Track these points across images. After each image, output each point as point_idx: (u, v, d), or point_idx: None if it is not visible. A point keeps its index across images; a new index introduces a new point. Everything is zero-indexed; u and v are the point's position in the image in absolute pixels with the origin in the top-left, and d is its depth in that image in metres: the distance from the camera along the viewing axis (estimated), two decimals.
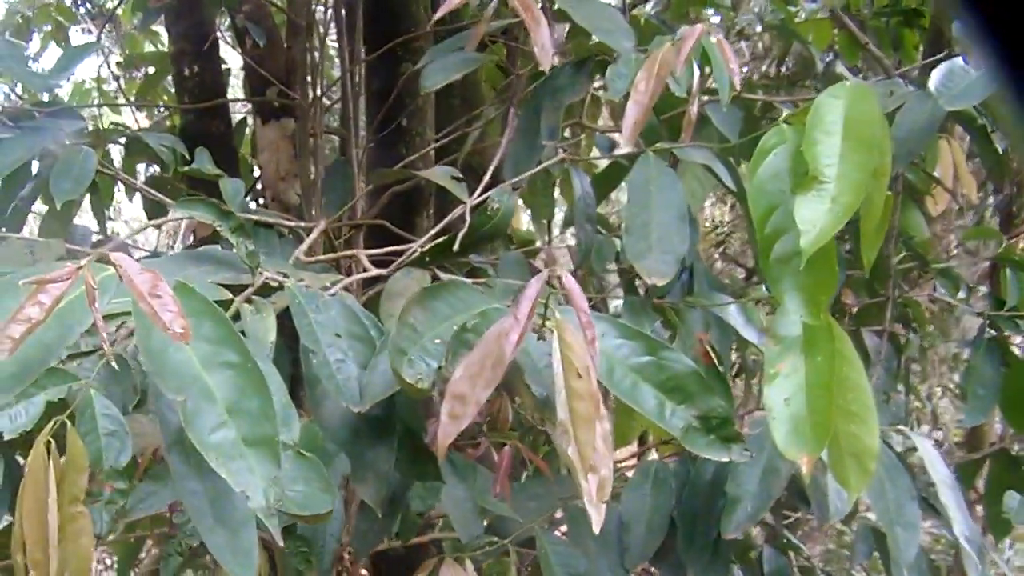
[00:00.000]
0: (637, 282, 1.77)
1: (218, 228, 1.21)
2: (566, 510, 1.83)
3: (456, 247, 1.50)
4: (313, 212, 2.37)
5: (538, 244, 2.32)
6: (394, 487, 1.47)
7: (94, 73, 4.16)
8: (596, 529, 1.10)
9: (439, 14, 1.57)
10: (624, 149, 1.60)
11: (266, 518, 0.80)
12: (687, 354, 1.45)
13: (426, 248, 1.57)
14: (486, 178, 1.62)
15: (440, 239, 1.57)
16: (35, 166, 1.98)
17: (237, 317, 1.18)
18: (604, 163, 2.04)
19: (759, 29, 3.41)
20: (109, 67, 3.67)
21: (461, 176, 1.67)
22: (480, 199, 1.58)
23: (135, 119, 3.53)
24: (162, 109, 3.03)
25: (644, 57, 1.48)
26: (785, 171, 1.33)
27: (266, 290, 1.36)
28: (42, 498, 1.47)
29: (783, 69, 3.27)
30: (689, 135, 1.48)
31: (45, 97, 1.94)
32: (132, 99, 3.34)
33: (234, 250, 1.27)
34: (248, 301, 1.23)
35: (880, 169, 1.31)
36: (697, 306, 1.50)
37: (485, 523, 1.80)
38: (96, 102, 3.71)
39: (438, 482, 1.52)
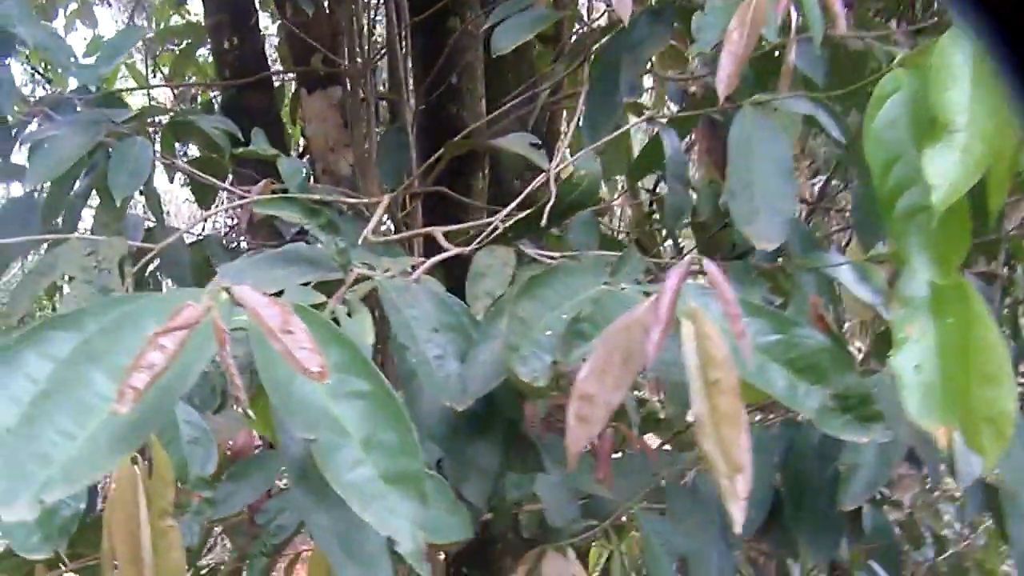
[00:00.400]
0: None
1: (306, 227, 1.13)
2: (663, 486, 1.75)
3: (544, 221, 1.41)
4: (368, 183, 2.29)
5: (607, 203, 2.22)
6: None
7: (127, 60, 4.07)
8: (738, 529, 1.03)
9: None
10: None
11: (418, 565, 0.73)
12: (802, 319, 1.37)
13: (508, 224, 1.48)
14: (565, 142, 1.53)
15: (522, 213, 1.48)
16: None
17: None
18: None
19: None
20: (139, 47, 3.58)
21: (539, 141, 1.57)
22: (561, 167, 1.49)
23: (168, 97, 3.46)
24: (200, 86, 2.93)
25: (734, 3, 1.37)
26: (904, 119, 1.22)
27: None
28: (133, 514, 1.42)
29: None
30: (788, 84, 1.38)
31: (93, 88, 1.85)
32: (164, 76, 3.25)
33: (319, 246, 1.19)
34: (342, 303, 1.15)
35: (1011, 114, 1.21)
36: (807, 268, 1.41)
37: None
38: (126, 83, 3.62)
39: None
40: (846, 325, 2.51)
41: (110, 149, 1.77)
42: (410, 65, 2.44)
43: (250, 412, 0.69)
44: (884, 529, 1.98)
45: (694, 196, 1.87)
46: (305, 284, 1.18)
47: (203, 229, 2.74)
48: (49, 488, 0.69)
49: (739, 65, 1.34)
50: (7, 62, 1.72)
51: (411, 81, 2.45)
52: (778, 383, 1.11)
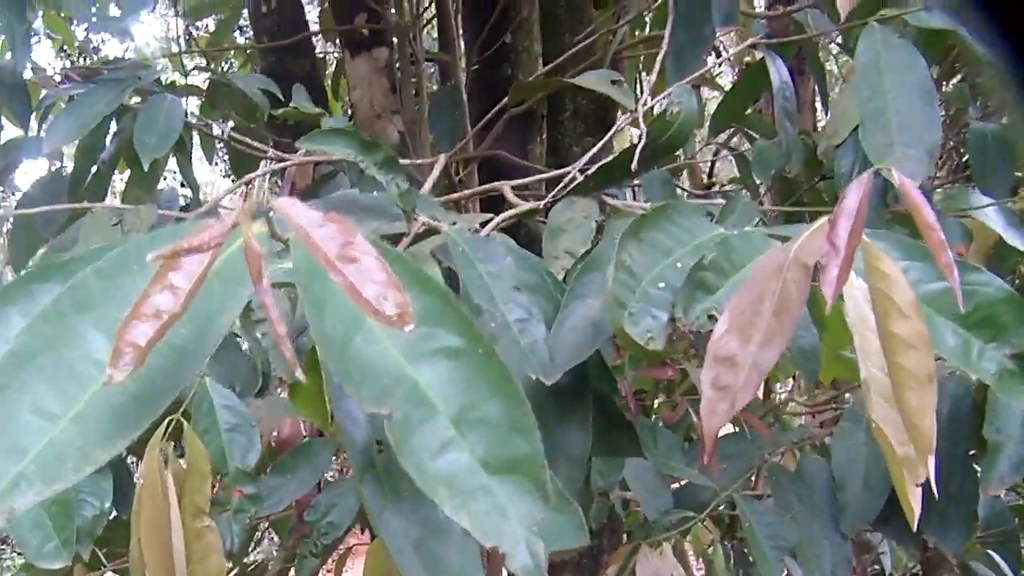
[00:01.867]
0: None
1: (361, 165, 0.92)
2: (765, 470, 1.52)
3: (634, 164, 1.18)
4: (420, 147, 2.08)
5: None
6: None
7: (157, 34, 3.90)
8: (914, 526, 0.81)
9: None
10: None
11: None
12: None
13: (590, 172, 1.25)
14: (651, 79, 1.30)
15: (606, 159, 1.25)
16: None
17: None
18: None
19: None
20: (170, 28, 3.39)
21: (621, 78, 1.34)
22: (650, 104, 1.26)
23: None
24: (237, 49, 2.72)
25: None
26: None
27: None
28: (162, 514, 1.21)
29: None
30: None
31: (121, 46, 1.65)
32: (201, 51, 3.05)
33: (376, 193, 0.97)
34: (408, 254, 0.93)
35: None
36: (951, 210, 1.18)
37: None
38: (162, 63, 3.44)
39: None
40: None
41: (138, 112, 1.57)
42: (459, 23, 2.22)
43: (300, 375, 0.47)
44: (1002, 514, 1.74)
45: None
46: None
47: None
48: (19, 490, 0.47)
49: None
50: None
51: (462, 40, 2.23)
52: (947, 340, 0.87)
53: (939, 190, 2.15)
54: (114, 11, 1.79)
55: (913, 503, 0.81)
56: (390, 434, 0.53)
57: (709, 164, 3.06)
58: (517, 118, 2.08)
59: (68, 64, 3.83)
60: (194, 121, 1.75)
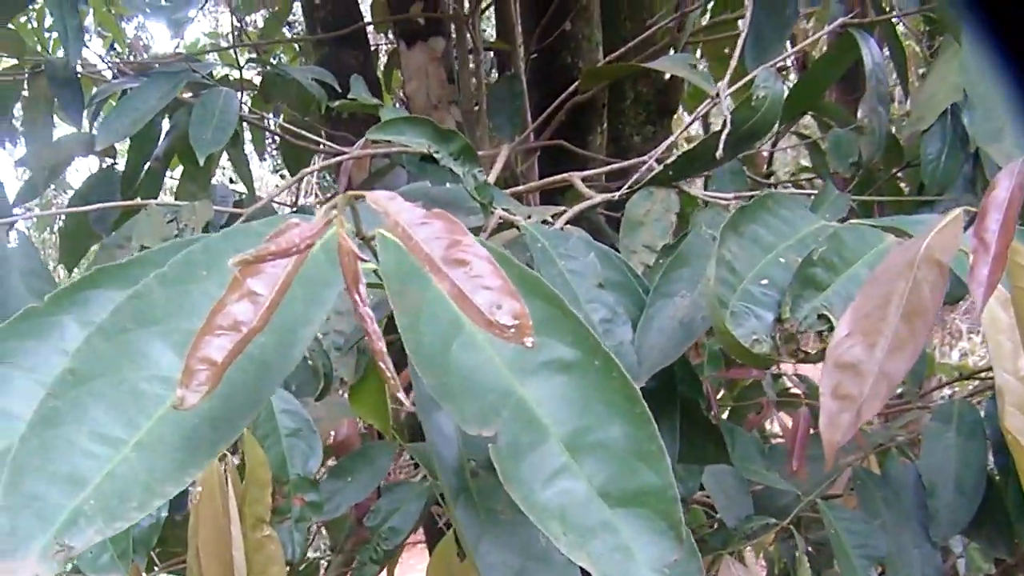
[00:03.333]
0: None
1: (436, 155, 0.85)
2: (852, 475, 1.44)
3: (719, 152, 1.10)
4: (479, 139, 2.01)
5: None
6: None
7: (206, 30, 3.86)
8: None
9: None
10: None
11: None
12: None
13: (669, 161, 1.17)
14: (732, 63, 1.21)
15: (689, 147, 1.17)
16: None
17: None
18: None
19: None
20: (220, 24, 3.35)
21: (699, 61, 1.26)
22: (734, 88, 1.17)
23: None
24: (290, 42, 2.66)
25: None
26: None
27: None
28: (222, 527, 1.15)
29: None
30: None
31: (172, 38, 1.60)
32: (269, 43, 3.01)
33: (449, 185, 0.90)
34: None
35: None
36: None
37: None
38: (212, 58, 3.40)
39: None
40: None
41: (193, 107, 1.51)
42: (518, 10, 2.15)
43: (393, 377, 0.40)
44: None
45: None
46: None
47: (296, 200, 2.48)
48: (77, 527, 0.41)
49: None
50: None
51: (520, 28, 2.16)
52: None
53: None
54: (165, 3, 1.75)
55: None
56: (496, 459, 0.46)
57: (768, 154, 2.96)
58: (577, 107, 2.01)
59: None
60: (247, 115, 1.69)
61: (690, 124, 1.17)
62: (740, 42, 1.22)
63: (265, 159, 3.84)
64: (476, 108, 2.00)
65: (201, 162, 1.41)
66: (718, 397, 1.68)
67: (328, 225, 0.39)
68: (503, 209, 0.96)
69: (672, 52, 1.70)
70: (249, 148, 2.23)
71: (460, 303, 0.39)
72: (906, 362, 0.64)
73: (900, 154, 1.61)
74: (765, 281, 0.81)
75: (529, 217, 1.02)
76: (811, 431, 1.36)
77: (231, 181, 3.10)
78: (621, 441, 0.47)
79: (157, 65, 1.76)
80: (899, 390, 1.97)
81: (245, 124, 1.74)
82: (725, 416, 1.80)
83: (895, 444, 1.51)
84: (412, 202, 0.91)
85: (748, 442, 1.40)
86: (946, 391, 2.02)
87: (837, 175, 1.72)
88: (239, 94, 1.63)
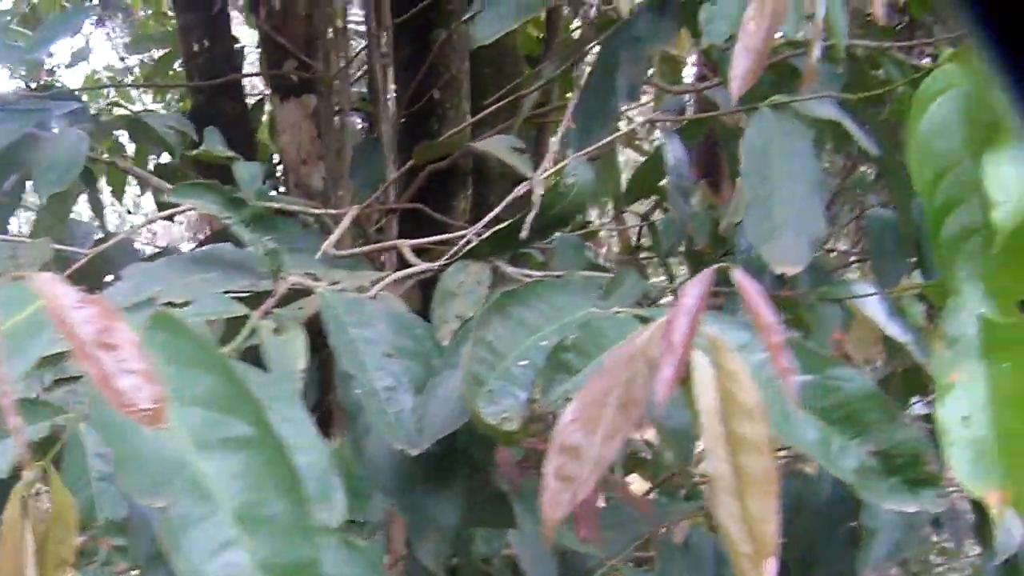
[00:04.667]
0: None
1: (225, 221, 0.87)
2: (654, 542, 1.48)
3: (524, 234, 1.14)
4: (339, 197, 2.03)
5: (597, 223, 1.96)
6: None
7: (105, 63, 3.82)
8: None
9: None
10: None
11: None
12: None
13: (484, 236, 1.21)
14: (552, 149, 1.27)
15: (500, 225, 1.21)
16: None
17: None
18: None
19: None
20: (122, 57, 3.33)
21: (523, 146, 1.31)
22: (547, 173, 1.22)
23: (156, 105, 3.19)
24: (172, 91, 2.66)
25: None
26: (957, 123, 0.98)
27: (291, 297, 1.01)
28: (20, 565, 1.13)
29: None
30: (812, 85, 1.12)
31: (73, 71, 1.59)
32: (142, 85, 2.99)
33: (250, 248, 0.92)
34: (268, 316, 0.88)
35: None
36: (828, 299, 1.15)
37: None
38: (106, 92, 3.36)
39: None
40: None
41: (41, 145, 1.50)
42: (391, 75, 2.18)
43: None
44: None
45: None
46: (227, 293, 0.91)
47: (168, 246, 2.46)
48: None
49: (757, 61, 1.08)
50: None
51: (391, 92, 2.19)
52: (808, 435, 0.84)
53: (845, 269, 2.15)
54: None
55: None
56: (164, 530, 0.48)
57: (638, 229, 3.05)
58: (442, 172, 2.04)
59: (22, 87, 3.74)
60: (106, 156, 1.68)
61: (507, 203, 1.21)
62: (561, 129, 1.27)
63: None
64: (340, 166, 2.02)
65: (42, 200, 1.40)
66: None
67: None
68: (306, 273, 0.98)
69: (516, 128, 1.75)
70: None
71: (102, 385, 0.41)
72: (617, 447, 0.68)
73: (726, 240, 1.68)
74: (526, 362, 0.84)
75: (335, 283, 1.04)
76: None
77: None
78: (282, 515, 0.49)
79: (23, 100, 1.75)
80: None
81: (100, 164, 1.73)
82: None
83: (701, 513, 1.56)
84: (207, 264, 0.93)
85: None
86: None
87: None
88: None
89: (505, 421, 0.80)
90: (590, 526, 1.29)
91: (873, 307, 1.18)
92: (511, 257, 1.38)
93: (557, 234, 1.57)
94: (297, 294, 1.02)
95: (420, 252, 1.72)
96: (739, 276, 0.64)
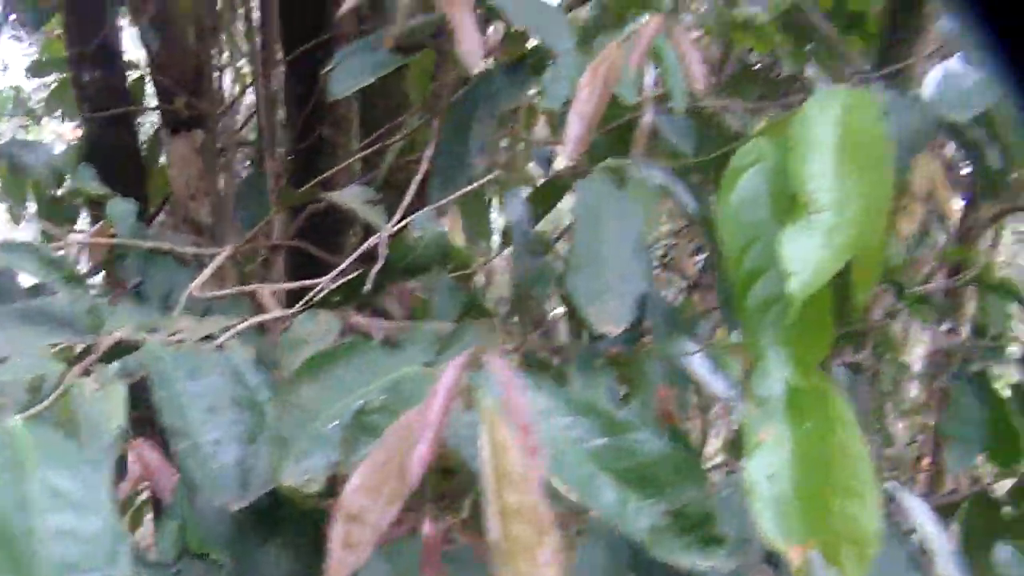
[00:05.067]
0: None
1: (45, 281, 0.88)
2: None
3: (368, 286, 1.17)
4: (223, 234, 2.03)
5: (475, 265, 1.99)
6: None
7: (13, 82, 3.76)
8: None
9: (344, 8, 1.24)
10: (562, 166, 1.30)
11: None
12: (647, 415, 1.16)
13: (336, 286, 1.24)
14: (406, 201, 1.30)
15: (352, 275, 1.24)
16: None
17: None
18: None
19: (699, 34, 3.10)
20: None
21: (378, 197, 1.34)
22: (400, 225, 1.25)
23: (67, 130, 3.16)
24: (66, 120, 2.64)
25: (587, 58, 1.17)
26: (764, 196, 1.03)
27: (130, 348, 1.02)
28: None
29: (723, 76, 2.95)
30: (642, 149, 1.17)
31: None
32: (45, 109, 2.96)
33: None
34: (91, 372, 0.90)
35: (881, 193, 1.01)
36: (657, 356, 1.20)
37: None
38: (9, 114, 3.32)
39: None
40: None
41: None
42: (278, 112, 2.20)
43: None
44: None
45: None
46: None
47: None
48: None
49: (588, 126, 1.13)
50: None
51: (276, 129, 2.21)
52: (605, 497, 0.88)
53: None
54: None
55: None
56: None
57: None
58: (325, 211, 2.06)
59: None
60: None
61: (353, 259, 1.23)
62: (415, 182, 1.30)
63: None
64: (224, 204, 2.03)
65: None
66: None
67: None
68: (137, 325, 1.00)
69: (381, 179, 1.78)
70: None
71: None
72: (393, 511, 0.71)
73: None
74: (337, 422, 0.87)
75: (174, 333, 1.05)
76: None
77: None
78: None
79: None
80: None
81: None
82: None
83: None
84: (35, 318, 0.93)
85: (413, 552, 1.45)
86: None
87: None
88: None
89: (309, 483, 0.82)
90: (435, 571, 1.32)
91: (699, 364, 1.23)
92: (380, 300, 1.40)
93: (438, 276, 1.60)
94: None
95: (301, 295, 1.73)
96: (489, 358, 0.68)
